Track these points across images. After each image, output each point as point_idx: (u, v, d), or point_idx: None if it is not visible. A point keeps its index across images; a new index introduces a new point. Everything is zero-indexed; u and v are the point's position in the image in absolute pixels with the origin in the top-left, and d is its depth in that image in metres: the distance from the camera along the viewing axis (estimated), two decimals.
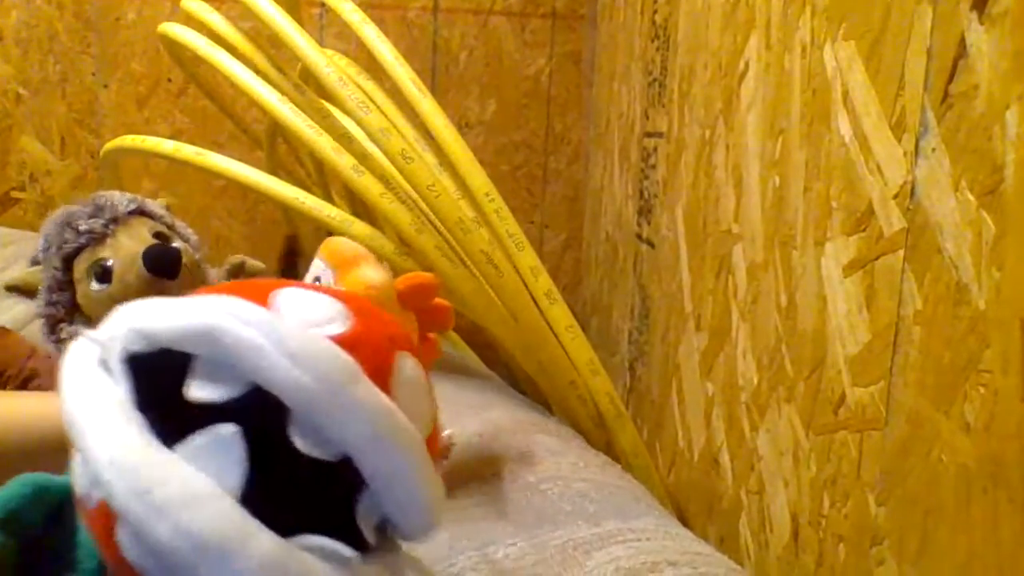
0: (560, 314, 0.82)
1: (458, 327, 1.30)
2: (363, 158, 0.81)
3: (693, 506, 0.76)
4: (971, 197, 0.38)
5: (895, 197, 0.44)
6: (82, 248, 0.70)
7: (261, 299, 0.31)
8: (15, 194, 1.36)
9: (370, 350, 0.31)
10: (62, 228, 0.70)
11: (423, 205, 0.81)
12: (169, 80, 1.33)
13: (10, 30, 1.30)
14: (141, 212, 0.74)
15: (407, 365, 0.33)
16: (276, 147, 1.15)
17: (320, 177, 1.16)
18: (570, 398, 0.83)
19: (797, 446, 0.55)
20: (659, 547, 0.52)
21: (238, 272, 0.81)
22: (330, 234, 0.80)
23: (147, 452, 0.27)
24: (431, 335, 0.56)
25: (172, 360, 0.29)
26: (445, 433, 0.70)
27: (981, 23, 0.38)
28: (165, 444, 0.28)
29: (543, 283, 0.82)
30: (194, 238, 0.79)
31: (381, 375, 0.31)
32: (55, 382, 0.31)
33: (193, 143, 0.89)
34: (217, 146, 0.89)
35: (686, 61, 0.82)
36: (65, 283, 0.70)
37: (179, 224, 0.78)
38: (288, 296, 0.32)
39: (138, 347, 0.30)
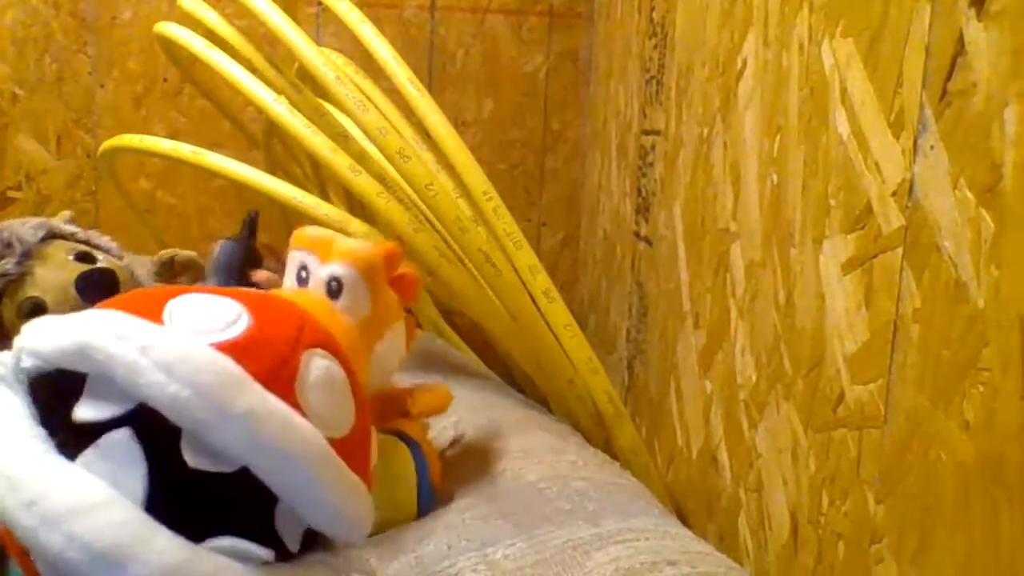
0: (558, 312, 0.82)
1: (456, 326, 1.30)
2: (360, 157, 0.81)
3: (692, 504, 0.76)
4: (970, 195, 0.38)
5: (893, 195, 0.44)
6: (0, 292, 0.65)
7: (156, 309, 0.30)
8: (11, 194, 1.35)
9: (268, 352, 0.30)
10: None
11: (421, 204, 0.81)
12: (165, 80, 1.33)
13: (6, 29, 1.30)
14: (52, 236, 0.69)
15: (316, 364, 0.31)
16: (273, 147, 1.14)
17: (317, 177, 1.15)
18: (568, 397, 0.82)
19: (796, 444, 0.55)
20: (658, 546, 0.52)
21: (169, 267, 0.79)
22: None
23: (36, 463, 0.27)
24: (409, 318, 0.57)
25: (70, 376, 0.29)
26: (450, 421, 0.70)
27: (979, 20, 0.37)
28: (68, 457, 0.27)
29: (541, 281, 0.82)
30: (114, 245, 0.74)
31: (282, 378, 0.30)
32: None
33: (190, 142, 0.89)
34: (214, 145, 0.89)
35: (684, 59, 0.82)
36: None
37: (92, 234, 0.74)
38: (182, 304, 0.31)
39: (32, 365, 0.29)
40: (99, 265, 0.68)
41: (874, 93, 0.46)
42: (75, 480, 0.27)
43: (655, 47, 0.94)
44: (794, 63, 0.56)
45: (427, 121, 0.86)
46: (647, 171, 0.95)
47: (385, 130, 0.79)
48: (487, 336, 0.86)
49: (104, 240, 0.74)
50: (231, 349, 0.29)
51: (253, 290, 0.34)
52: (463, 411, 0.76)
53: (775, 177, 0.59)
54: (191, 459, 0.28)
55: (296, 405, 0.30)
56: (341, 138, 0.82)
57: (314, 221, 0.83)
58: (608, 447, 0.81)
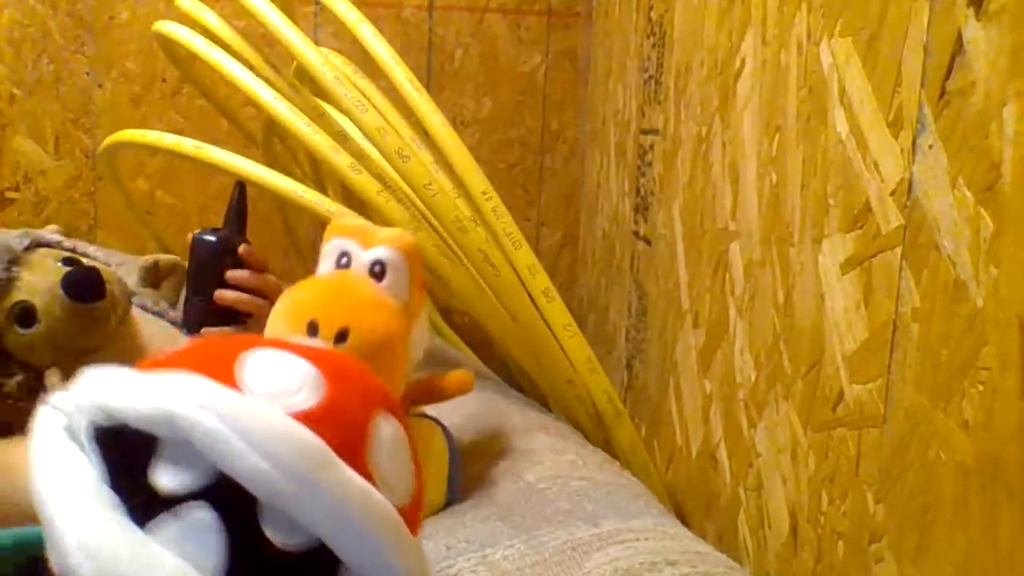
0: (557, 312, 0.82)
1: (456, 325, 1.30)
2: (359, 157, 0.81)
3: (691, 503, 0.76)
4: (968, 194, 0.38)
5: (892, 194, 0.44)
6: None
7: (228, 364, 0.30)
8: (10, 194, 1.35)
9: (343, 422, 0.30)
10: None
11: (420, 204, 0.81)
12: (164, 80, 1.33)
13: (3, 29, 1.29)
14: (38, 245, 0.70)
15: (385, 429, 0.31)
16: (272, 145, 1.14)
17: (316, 175, 1.15)
18: (568, 396, 0.82)
19: (795, 443, 0.55)
20: (658, 547, 0.52)
21: (153, 271, 0.78)
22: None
23: (117, 535, 0.26)
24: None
25: (141, 436, 0.28)
26: (450, 423, 0.70)
27: (978, 20, 0.37)
28: (138, 523, 0.27)
29: (540, 281, 0.82)
30: (100, 253, 0.75)
31: (355, 448, 0.30)
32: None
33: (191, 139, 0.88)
34: (213, 145, 0.89)
35: (682, 58, 0.82)
36: None
37: (79, 244, 0.74)
38: (256, 363, 0.31)
39: (105, 423, 0.29)
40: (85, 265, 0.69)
41: (873, 92, 0.46)
42: (157, 558, 0.26)
43: (653, 46, 0.94)
44: (793, 62, 0.56)
45: (426, 121, 0.86)
46: (646, 170, 0.95)
47: (384, 130, 0.79)
48: (486, 335, 0.86)
49: (91, 249, 0.74)
50: (309, 419, 0.29)
51: (315, 344, 0.34)
52: (462, 411, 0.76)
53: (774, 176, 0.59)
54: (271, 533, 0.27)
55: (368, 475, 0.30)
56: (340, 138, 0.82)
57: (316, 216, 0.83)
58: (608, 446, 0.81)
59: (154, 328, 0.74)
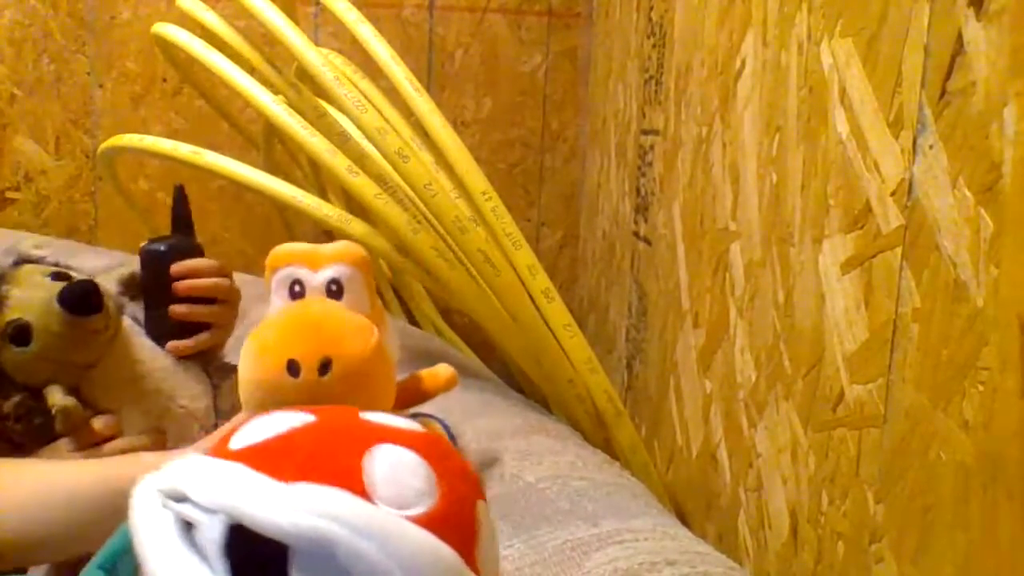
0: (558, 312, 0.82)
1: (456, 325, 1.30)
2: (359, 157, 0.81)
3: (691, 504, 0.76)
4: (969, 194, 0.38)
5: (893, 194, 0.44)
6: None
7: (354, 463, 0.30)
8: (10, 194, 1.35)
9: (460, 523, 0.31)
10: None
11: (420, 204, 0.81)
12: (164, 80, 1.33)
13: (4, 30, 1.30)
14: (23, 261, 0.68)
15: (484, 515, 0.33)
16: (273, 148, 1.14)
17: (316, 178, 1.15)
18: (568, 396, 0.82)
19: (796, 443, 0.55)
20: (657, 547, 0.52)
21: (131, 284, 0.77)
22: (328, 234, 0.80)
23: None
24: None
25: (268, 550, 0.28)
26: (450, 422, 0.70)
27: (978, 20, 0.37)
28: None
29: (540, 281, 0.82)
30: (86, 267, 0.73)
31: (470, 547, 0.31)
32: None
33: (188, 143, 0.89)
34: (213, 147, 0.88)
35: (682, 58, 0.82)
36: None
37: (62, 258, 0.73)
38: (381, 464, 0.31)
39: (234, 534, 0.28)
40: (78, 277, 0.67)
41: (873, 93, 0.46)
42: None
43: (654, 47, 0.94)
44: (793, 63, 0.56)
45: (426, 121, 0.86)
46: (646, 171, 0.95)
47: (384, 130, 0.79)
48: (486, 336, 0.86)
49: (74, 262, 0.73)
50: (433, 521, 0.30)
51: (422, 433, 0.34)
52: (462, 411, 0.76)
53: (774, 177, 0.59)
54: None
55: (477, 571, 0.31)
56: (340, 138, 0.82)
57: (315, 221, 0.83)
58: (608, 446, 0.81)
59: (143, 338, 0.73)
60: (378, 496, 0.30)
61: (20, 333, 0.63)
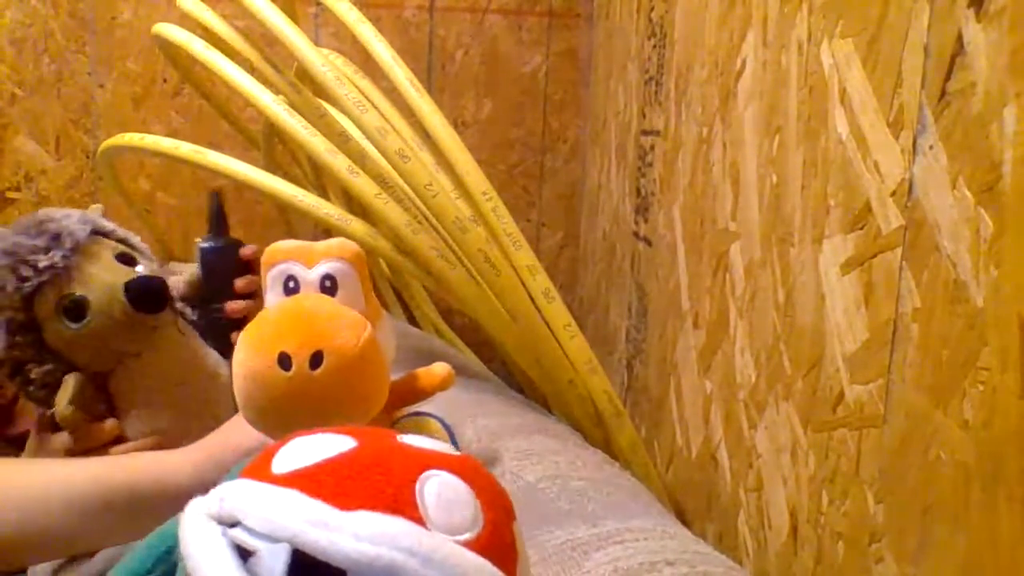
0: (558, 313, 0.82)
1: (456, 326, 1.30)
2: (360, 158, 0.81)
3: (692, 504, 0.76)
4: (969, 195, 0.38)
5: (893, 195, 0.44)
6: (43, 284, 0.62)
7: (408, 487, 0.31)
8: (10, 195, 1.35)
9: (503, 545, 0.32)
10: (15, 264, 0.62)
11: (420, 204, 0.81)
12: (165, 80, 1.33)
13: (4, 29, 1.30)
14: (96, 232, 0.67)
15: (520, 536, 0.33)
16: (274, 147, 1.14)
17: (317, 178, 1.15)
18: (568, 397, 0.82)
19: (796, 444, 0.55)
20: (657, 547, 0.52)
21: (197, 285, 0.77)
22: (328, 233, 0.80)
23: None
24: None
25: (327, 567, 0.28)
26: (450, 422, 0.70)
27: (978, 20, 0.37)
28: None
29: (541, 282, 0.82)
30: (146, 247, 0.73)
31: (512, 565, 0.32)
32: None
33: (189, 143, 0.88)
34: (213, 146, 0.88)
35: (683, 59, 0.82)
36: (28, 323, 0.63)
37: (129, 234, 0.72)
38: (435, 491, 0.31)
39: (297, 564, 0.28)
40: (144, 272, 0.67)
41: (873, 93, 0.46)
42: None
43: (654, 47, 0.94)
44: (793, 63, 0.56)
45: (426, 121, 0.86)
46: (646, 171, 0.95)
47: (384, 130, 0.79)
48: (486, 336, 0.86)
49: (137, 241, 0.72)
50: (481, 547, 0.30)
51: (452, 451, 0.34)
52: (462, 411, 0.76)
53: (774, 177, 0.59)
54: None
55: None
56: (340, 138, 0.82)
57: (316, 221, 0.83)
58: (608, 447, 0.81)
59: (190, 338, 0.73)
60: (432, 523, 0.30)
61: (77, 309, 0.62)
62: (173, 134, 1.31)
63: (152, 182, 1.36)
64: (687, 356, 0.77)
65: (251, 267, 0.75)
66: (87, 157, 1.34)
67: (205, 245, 0.74)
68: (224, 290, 0.72)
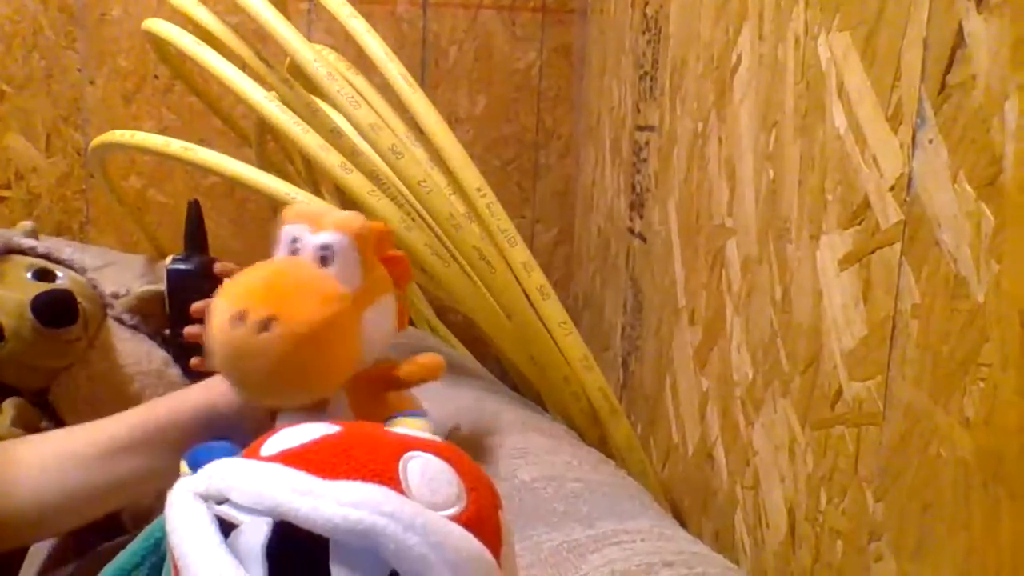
0: (553, 310, 0.82)
1: (450, 323, 1.30)
2: (352, 154, 0.80)
3: (688, 502, 0.75)
4: (969, 189, 0.38)
5: (892, 189, 0.44)
6: None
7: (391, 462, 0.31)
8: (1, 192, 1.34)
9: (488, 526, 0.32)
10: None
11: (414, 201, 0.80)
12: (156, 76, 1.32)
13: None
14: (9, 251, 0.66)
15: (505, 523, 0.34)
16: (266, 144, 1.14)
17: (309, 174, 1.15)
18: (563, 394, 0.82)
19: (793, 441, 0.54)
20: (654, 548, 0.52)
21: (151, 302, 0.76)
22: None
23: None
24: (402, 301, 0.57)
25: (307, 543, 0.28)
26: (446, 414, 0.70)
27: (979, 12, 0.37)
28: None
29: (535, 279, 0.82)
30: (76, 258, 0.71)
31: (496, 546, 0.32)
32: None
33: (181, 139, 0.88)
34: (205, 143, 0.88)
35: (678, 54, 0.82)
36: None
37: (53, 247, 0.71)
38: (417, 468, 0.32)
39: (276, 533, 0.29)
40: (57, 285, 0.66)
41: (872, 87, 0.46)
42: None
43: (648, 42, 0.93)
44: (790, 57, 0.56)
45: (420, 117, 0.85)
46: (641, 167, 0.95)
47: (377, 126, 0.78)
48: (481, 334, 0.86)
49: (67, 252, 0.71)
50: (466, 524, 0.31)
51: (444, 444, 0.35)
52: (457, 409, 0.76)
53: (771, 172, 0.59)
54: None
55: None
56: (333, 135, 0.81)
57: None
58: (603, 444, 0.81)
59: (131, 342, 0.72)
60: (415, 497, 0.30)
61: None
62: (165, 131, 1.30)
63: (144, 179, 1.35)
64: (683, 353, 0.77)
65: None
66: (78, 154, 1.33)
67: (172, 267, 0.72)
68: (187, 313, 0.70)
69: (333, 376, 0.51)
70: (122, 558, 0.39)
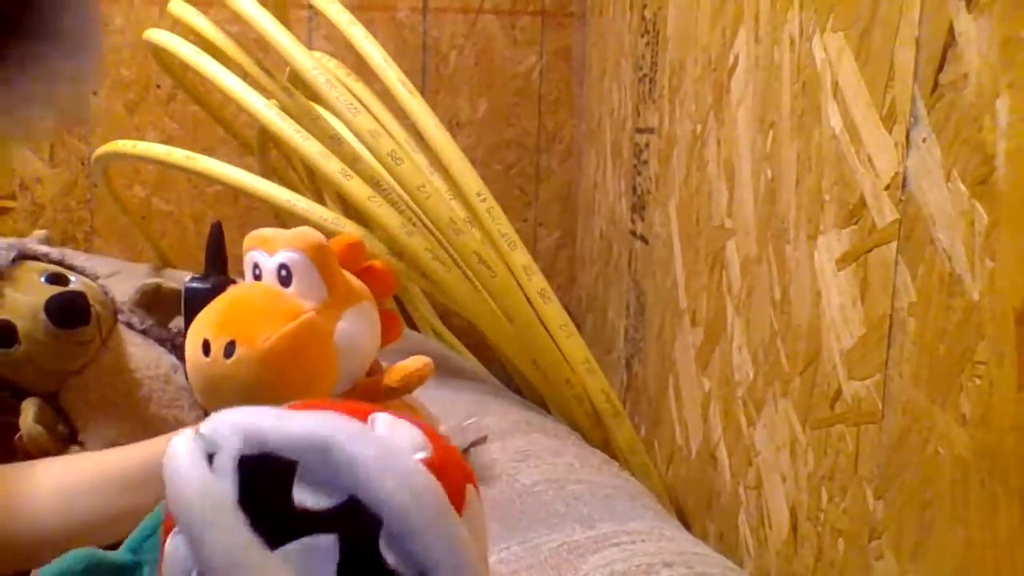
0: (554, 313, 0.82)
1: (453, 327, 1.30)
2: (353, 160, 0.81)
3: (691, 502, 0.75)
4: (963, 187, 0.38)
5: (887, 188, 0.44)
6: None
7: (360, 415, 0.33)
8: (6, 203, 1.35)
9: (448, 480, 0.33)
10: None
11: (414, 206, 0.81)
12: (158, 86, 1.33)
13: None
14: (24, 257, 0.68)
15: (474, 497, 0.35)
16: (268, 152, 1.14)
17: (312, 181, 1.15)
18: (566, 397, 0.82)
19: (794, 441, 0.55)
20: (654, 548, 0.52)
21: (153, 296, 0.77)
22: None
23: (251, 553, 0.29)
24: (390, 311, 0.58)
25: (276, 465, 0.31)
26: (469, 422, 0.70)
27: (969, 12, 0.37)
28: (266, 543, 0.30)
29: (537, 282, 0.82)
30: (89, 264, 0.73)
31: (456, 504, 0.33)
32: None
33: (184, 149, 0.88)
34: (208, 151, 0.88)
35: (676, 56, 0.82)
36: None
37: (67, 254, 0.72)
38: (384, 421, 0.34)
39: (248, 451, 0.31)
40: (70, 288, 0.67)
41: (866, 87, 0.46)
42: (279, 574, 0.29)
43: (647, 45, 0.93)
44: (786, 58, 0.56)
45: (420, 123, 0.86)
46: (642, 169, 0.95)
47: (377, 133, 0.79)
48: (484, 337, 0.86)
49: (80, 259, 0.72)
50: (432, 471, 0.32)
51: (417, 419, 0.37)
52: (460, 413, 0.76)
53: (769, 173, 0.59)
54: (389, 558, 0.31)
55: None
56: (333, 141, 0.81)
57: (309, 225, 0.83)
58: (607, 446, 0.81)
59: (140, 347, 0.72)
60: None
61: (5, 335, 0.63)
62: (167, 140, 1.31)
63: (148, 189, 1.35)
64: (685, 354, 0.77)
65: None
66: (82, 164, 1.34)
67: (190, 285, 0.73)
68: None
69: (312, 388, 0.51)
70: (135, 532, 0.41)
